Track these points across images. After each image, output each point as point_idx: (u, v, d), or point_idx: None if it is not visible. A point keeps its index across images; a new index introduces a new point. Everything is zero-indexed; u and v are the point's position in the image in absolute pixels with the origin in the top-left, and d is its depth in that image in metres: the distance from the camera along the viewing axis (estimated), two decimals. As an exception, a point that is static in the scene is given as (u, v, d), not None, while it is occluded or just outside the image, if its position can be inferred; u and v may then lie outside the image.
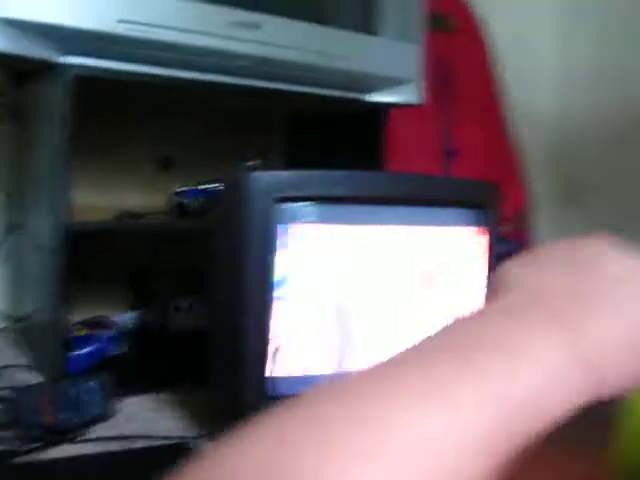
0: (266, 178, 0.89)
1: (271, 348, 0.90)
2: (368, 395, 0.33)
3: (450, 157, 2.08)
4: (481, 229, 1.07)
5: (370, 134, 1.53)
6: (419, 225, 1.01)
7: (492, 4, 2.29)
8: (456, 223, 1.05)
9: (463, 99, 2.13)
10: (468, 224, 1.06)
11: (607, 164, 2.66)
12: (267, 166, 1.43)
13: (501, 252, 2.21)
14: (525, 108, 2.48)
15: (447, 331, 0.38)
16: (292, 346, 0.91)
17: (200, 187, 1.32)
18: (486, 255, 1.08)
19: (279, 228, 0.89)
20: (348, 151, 1.57)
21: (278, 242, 0.89)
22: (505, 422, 0.33)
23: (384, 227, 0.98)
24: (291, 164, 1.69)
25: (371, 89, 1.45)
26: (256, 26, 1.21)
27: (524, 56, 2.50)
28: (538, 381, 0.35)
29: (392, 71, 1.40)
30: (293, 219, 0.91)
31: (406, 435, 0.31)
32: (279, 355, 0.90)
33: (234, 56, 1.21)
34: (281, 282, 0.89)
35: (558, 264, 0.39)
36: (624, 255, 0.40)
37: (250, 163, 1.35)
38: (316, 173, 0.93)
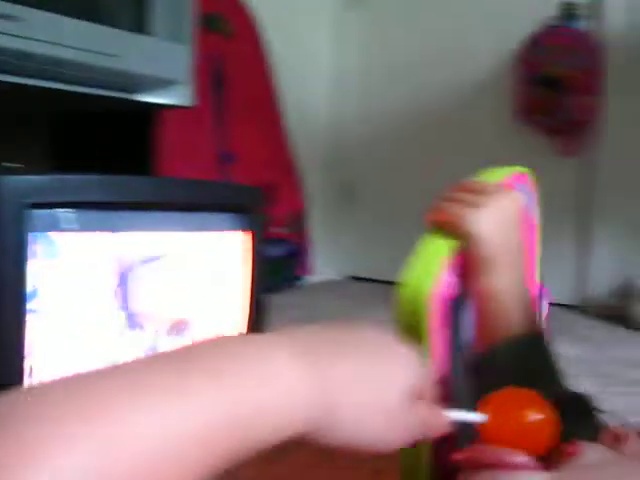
0: (16, 182, 0.83)
1: (27, 365, 0.85)
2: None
3: (226, 161, 2.08)
4: (247, 232, 1.07)
5: (139, 136, 1.49)
6: (183, 231, 1.00)
7: (269, 8, 2.32)
8: (221, 227, 1.05)
9: (239, 102, 2.13)
10: (233, 228, 1.06)
11: (380, 164, 2.79)
12: (27, 169, 1.35)
13: (279, 253, 2.25)
14: (301, 111, 2.54)
15: (186, 348, 0.41)
16: (48, 362, 0.86)
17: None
18: (250, 257, 1.09)
19: (31, 236, 0.83)
20: (117, 154, 1.52)
21: (30, 251, 0.83)
22: (228, 423, 0.37)
23: (147, 234, 0.95)
24: (57, 167, 1.61)
25: (140, 89, 1.41)
26: (16, 19, 1.14)
27: (299, 60, 2.56)
28: (269, 393, 0.40)
29: (161, 72, 1.37)
30: (48, 226, 0.86)
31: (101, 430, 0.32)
32: (35, 372, 0.85)
33: (-11, 49, 1.13)
34: (33, 294, 0.84)
35: (330, 330, 0.49)
36: (383, 330, 0.51)
37: (9, 165, 1.27)
38: (72, 177, 0.88)
